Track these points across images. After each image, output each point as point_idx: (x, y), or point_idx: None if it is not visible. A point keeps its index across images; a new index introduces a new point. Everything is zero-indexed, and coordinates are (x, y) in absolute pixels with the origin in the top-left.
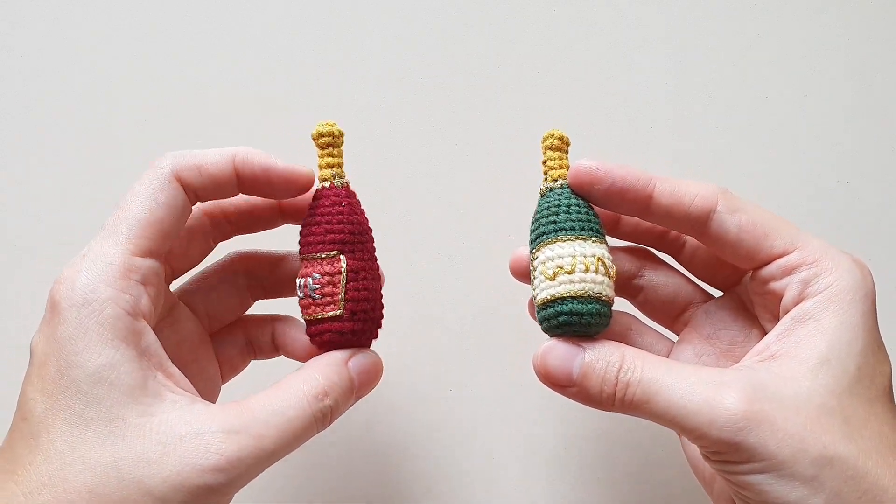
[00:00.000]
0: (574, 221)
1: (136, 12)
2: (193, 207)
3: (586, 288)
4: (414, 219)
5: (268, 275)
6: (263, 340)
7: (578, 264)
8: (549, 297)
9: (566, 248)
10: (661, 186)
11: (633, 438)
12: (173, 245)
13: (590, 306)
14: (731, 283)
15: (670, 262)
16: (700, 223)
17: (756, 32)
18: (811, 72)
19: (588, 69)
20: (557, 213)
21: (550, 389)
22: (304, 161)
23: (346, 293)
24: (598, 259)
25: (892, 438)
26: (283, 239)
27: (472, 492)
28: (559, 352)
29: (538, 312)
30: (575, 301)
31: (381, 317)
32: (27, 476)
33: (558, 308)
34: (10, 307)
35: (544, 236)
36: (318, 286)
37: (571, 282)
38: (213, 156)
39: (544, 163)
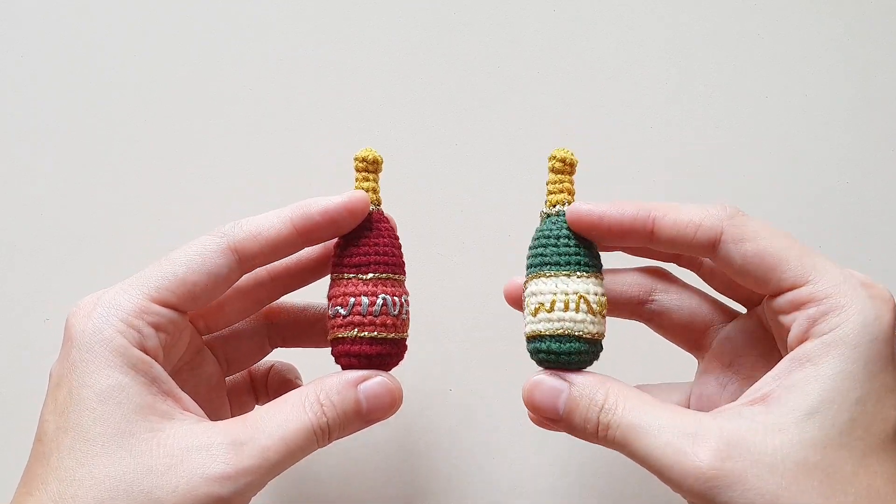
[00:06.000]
0: (560, 256)
1: (147, 18)
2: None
3: (564, 327)
4: (414, 219)
5: (289, 325)
6: (262, 386)
7: (558, 302)
8: (530, 333)
9: (549, 284)
10: (661, 221)
11: None
12: (210, 308)
13: (568, 345)
14: (755, 301)
15: (689, 279)
16: (707, 251)
17: (756, 32)
18: (811, 72)
19: (588, 69)
20: (546, 246)
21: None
22: (304, 171)
23: (406, 315)
24: (580, 297)
25: (884, 492)
26: (302, 290)
27: (471, 492)
28: (545, 388)
29: (526, 343)
30: (553, 340)
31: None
32: (40, 496)
33: (538, 345)
34: (8, 309)
35: (532, 269)
36: (381, 306)
37: (550, 320)
38: (270, 221)
39: (547, 184)
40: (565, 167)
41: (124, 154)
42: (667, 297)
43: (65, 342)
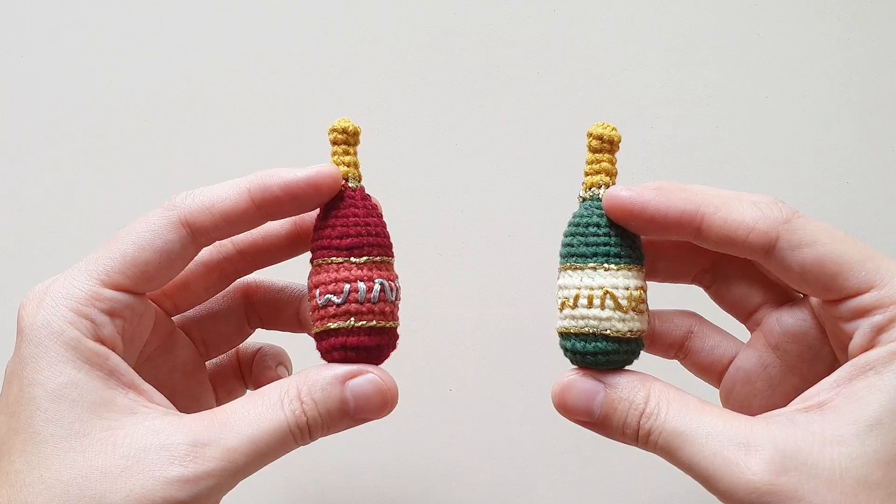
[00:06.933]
0: (588, 246)
1: (137, 12)
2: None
3: (589, 325)
4: (413, 219)
5: (267, 305)
6: (249, 370)
7: (581, 298)
8: (559, 329)
9: (574, 278)
10: (710, 218)
11: None
12: (172, 284)
13: (594, 345)
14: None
15: None
16: (759, 256)
17: (756, 32)
18: (811, 72)
19: (588, 69)
20: (575, 235)
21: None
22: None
23: (399, 301)
24: (605, 292)
25: None
26: (282, 270)
27: (471, 492)
28: (578, 389)
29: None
30: (578, 339)
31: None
32: None
33: (564, 343)
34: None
35: (562, 259)
36: (379, 292)
37: (573, 317)
38: (225, 192)
39: (585, 164)
40: (604, 145)
41: (124, 154)
42: (724, 270)
43: (17, 335)
